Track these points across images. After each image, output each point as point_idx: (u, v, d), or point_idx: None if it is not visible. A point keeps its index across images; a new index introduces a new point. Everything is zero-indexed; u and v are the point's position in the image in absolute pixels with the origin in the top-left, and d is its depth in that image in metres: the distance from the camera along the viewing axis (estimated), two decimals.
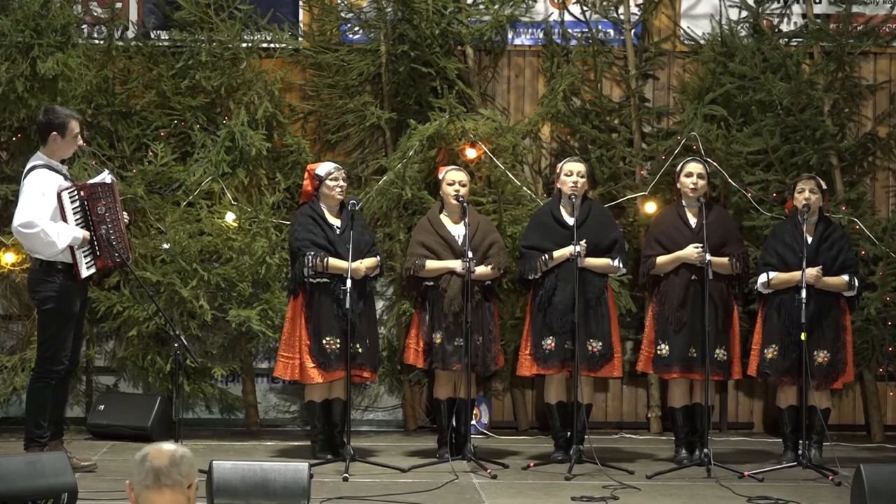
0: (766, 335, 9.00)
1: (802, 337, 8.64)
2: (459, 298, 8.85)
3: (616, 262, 9.04)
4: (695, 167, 9.09)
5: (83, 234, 8.19)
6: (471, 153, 9.98)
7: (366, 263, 8.84)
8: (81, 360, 9.51)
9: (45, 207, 8.13)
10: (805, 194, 8.91)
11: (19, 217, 8.14)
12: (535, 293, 9.06)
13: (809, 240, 8.89)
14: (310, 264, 8.78)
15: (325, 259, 8.79)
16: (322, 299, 8.86)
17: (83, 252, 8.23)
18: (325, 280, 8.84)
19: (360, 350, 8.83)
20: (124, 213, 8.58)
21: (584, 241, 8.86)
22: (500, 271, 9.08)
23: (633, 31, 10.57)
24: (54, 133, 8.26)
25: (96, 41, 10.27)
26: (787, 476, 8.62)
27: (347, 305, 8.54)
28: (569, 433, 9.00)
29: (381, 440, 9.96)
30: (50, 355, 8.28)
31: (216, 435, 10.06)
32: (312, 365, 8.86)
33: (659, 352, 9.05)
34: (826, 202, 9.14)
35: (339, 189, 8.97)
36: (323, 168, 9.04)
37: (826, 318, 8.91)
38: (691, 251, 8.90)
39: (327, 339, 8.84)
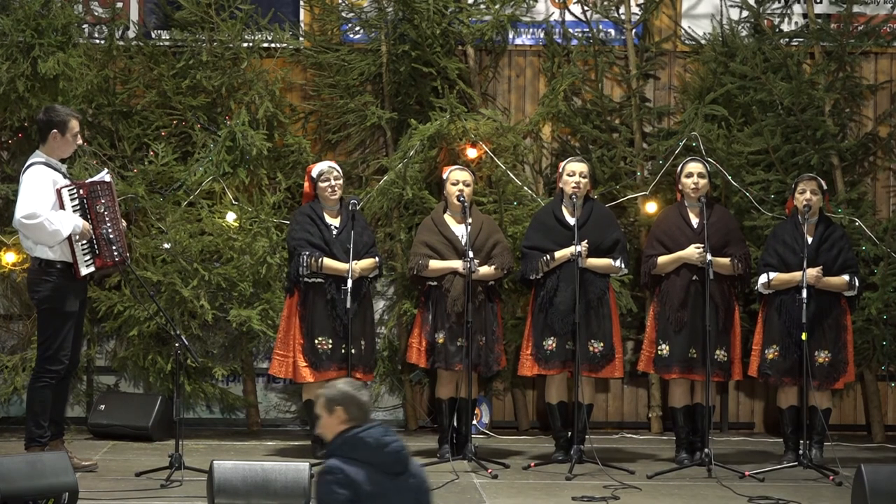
0: (767, 336, 9.00)
1: (803, 337, 8.64)
2: (462, 299, 8.85)
3: (618, 263, 9.03)
4: (695, 167, 9.09)
5: (84, 223, 8.20)
6: (472, 153, 9.98)
7: (361, 265, 8.83)
8: (82, 359, 9.52)
9: (46, 200, 8.15)
10: (806, 195, 8.90)
11: (21, 209, 8.15)
12: (536, 293, 9.06)
13: (810, 240, 8.89)
14: (304, 264, 8.80)
15: (320, 259, 8.80)
16: (316, 299, 8.87)
17: (82, 249, 8.23)
18: (319, 280, 8.85)
19: (353, 351, 8.82)
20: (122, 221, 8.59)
21: (586, 241, 8.85)
22: (504, 271, 9.08)
23: (633, 30, 10.57)
24: (54, 131, 8.27)
25: (97, 41, 10.27)
26: (787, 476, 8.63)
27: (349, 305, 8.55)
28: (570, 433, 9.00)
29: None
30: (50, 355, 8.28)
31: (217, 435, 10.06)
32: (304, 364, 8.88)
33: (659, 352, 9.05)
34: (826, 202, 9.14)
35: (331, 189, 8.97)
36: (316, 169, 9.06)
37: (827, 319, 8.91)
38: (692, 252, 8.90)
39: (319, 339, 8.85)
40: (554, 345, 8.94)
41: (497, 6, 10.46)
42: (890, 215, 10.52)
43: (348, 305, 8.56)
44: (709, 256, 8.77)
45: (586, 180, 9.03)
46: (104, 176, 8.46)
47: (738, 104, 10.26)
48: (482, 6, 10.51)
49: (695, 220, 9.03)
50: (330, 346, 8.83)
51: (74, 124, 8.34)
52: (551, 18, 10.62)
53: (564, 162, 9.14)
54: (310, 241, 8.86)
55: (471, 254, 8.79)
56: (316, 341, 8.85)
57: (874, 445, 10.11)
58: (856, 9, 10.31)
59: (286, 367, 8.99)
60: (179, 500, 7.74)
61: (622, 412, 10.66)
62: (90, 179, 8.48)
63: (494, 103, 10.62)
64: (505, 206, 10.03)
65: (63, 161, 8.46)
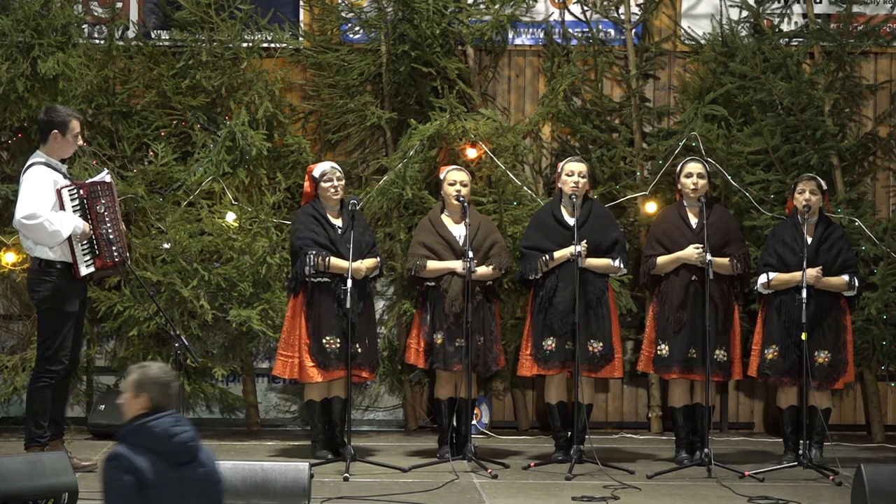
0: (767, 336, 9.00)
1: (803, 337, 8.64)
2: (460, 299, 8.85)
3: (617, 263, 9.03)
4: (694, 167, 9.09)
5: (84, 223, 8.20)
6: (471, 153, 9.98)
7: (366, 264, 8.85)
8: (82, 359, 9.52)
9: (46, 200, 8.16)
10: (805, 195, 8.90)
11: (21, 210, 8.15)
12: (535, 294, 9.06)
13: (809, 240, 8.89)
14: (311, 263, 8.79)
15: (327, 258, 8.80)
16: (322, 299, 8.87)
17: (82, 249, 8.24)
18: (325, 279, 8.86)
19: (359, 350, 8.84)
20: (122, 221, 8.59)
21: (585, 241, 8.85)
22: (502, 271, 9.07)
23: (633, 30, 10.57)
24: (55, 131, 8.27)
25: (97, 41, 10.27)
26: (787, 476, 8.63)
27: (349, 305, 8.55)
28: (569, 433, 9.00)
29: (381, 440, 9.96)
30: (49, 355, 8.29)
31: (217, 435, 10.06)
32: (311, 364, 8.88)
33: (659, 352, 9.05)
34: (826, 202, 9.14)
35: (333, 189, 8.98)
36: (318, 169, 9.06)
37: (826, 319, 8.91)
38: (691, 252, 8.90)
39: (327, 338, 8.85)
40: (553, 345, 8.94)
41: (497, 6, 10.46)
42: (890, 215, 10.53)
43: (348, 305, 8.56)
44: (708, 256, 8.76)
45: (585, 180, 9.03)
46: (104, 176, 8.46)
47: (737, 104, 10.26)
48: (482, 6, 10.51)
49: (694, 221, 9.03)
50: (338, 345, 8.83)
51: (75, 125, 8.34)
52: (551, 18, 10.63)
53: (563, 162, 9.14)
54: (316, 241, 8.86)
55: (470, 254, 8.79)
56: (324, 340, 8.85)
57: (874, 445, 10.12)
58: (856, 9, 10.32)
59: (291, 368, 8.98)
60: None
61: (622, 412, 10.66)
62: (90, 180, 8.48)
63: (494, 103, 10.63)
64: (505, 206, 10.03)
65: (63, 161, 8.46)
